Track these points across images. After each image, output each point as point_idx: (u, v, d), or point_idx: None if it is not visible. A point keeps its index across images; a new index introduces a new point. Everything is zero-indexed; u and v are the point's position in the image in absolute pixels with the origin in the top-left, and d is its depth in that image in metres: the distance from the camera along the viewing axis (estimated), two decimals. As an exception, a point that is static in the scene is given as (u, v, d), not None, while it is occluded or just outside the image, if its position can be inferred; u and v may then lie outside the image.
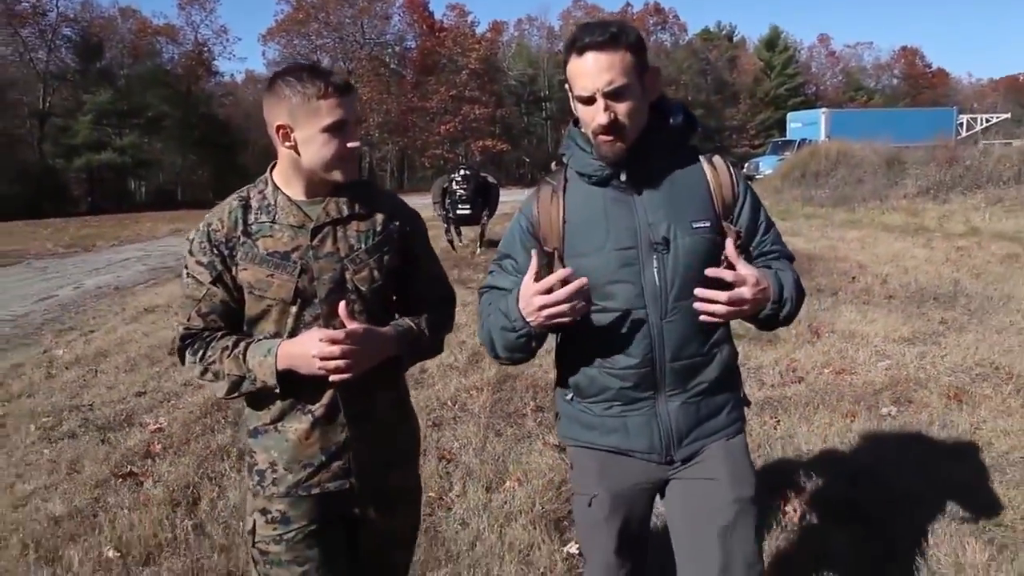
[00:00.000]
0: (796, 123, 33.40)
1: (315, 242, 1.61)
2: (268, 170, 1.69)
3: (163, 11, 74.24)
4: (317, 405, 1.64)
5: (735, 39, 69.25)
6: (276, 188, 1.66)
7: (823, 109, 33.61)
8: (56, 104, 44.04)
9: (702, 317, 1.53)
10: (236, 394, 1.63)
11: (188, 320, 1.65)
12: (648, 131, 1.58)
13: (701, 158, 1.66)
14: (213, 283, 1.62)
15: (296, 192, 1.65)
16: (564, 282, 1.46)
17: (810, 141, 25.98)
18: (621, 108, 1.52)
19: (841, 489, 3.25)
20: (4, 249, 17.58)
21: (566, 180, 1.68)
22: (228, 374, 1.60)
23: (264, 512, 1.68)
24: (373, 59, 53.92)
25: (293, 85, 1.54)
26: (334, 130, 1.55)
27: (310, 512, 1.67)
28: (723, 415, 1.68)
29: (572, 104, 1.60)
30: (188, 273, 1.65)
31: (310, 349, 1.51)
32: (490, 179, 12.74)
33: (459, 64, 52.67)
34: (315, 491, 1.66)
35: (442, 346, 1.84)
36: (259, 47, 64.96)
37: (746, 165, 30.50)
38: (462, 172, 11.98)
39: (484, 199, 12.21)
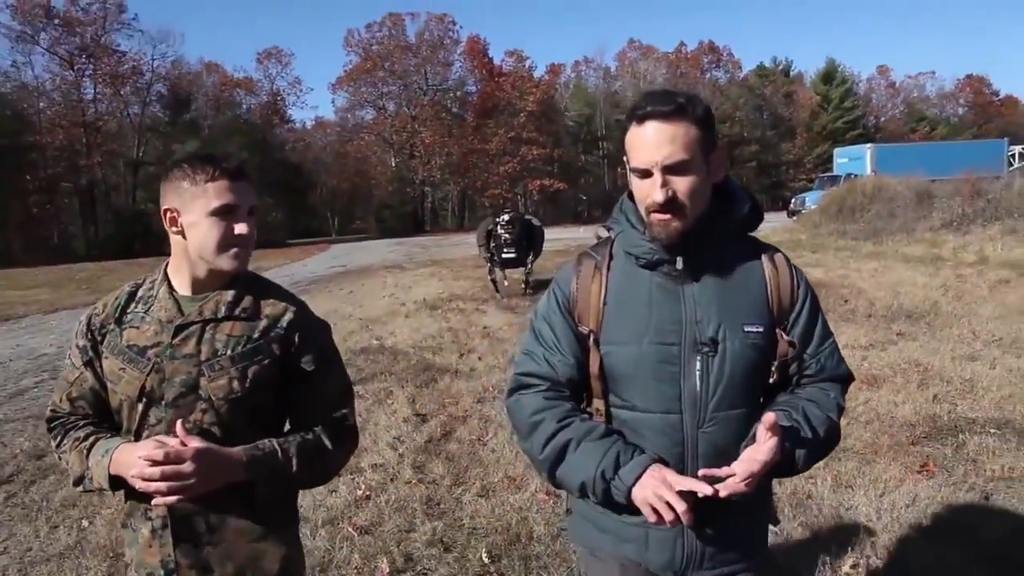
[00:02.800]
0: (843, 158, 34.14)
1: (176, 340, 1.53)
2: (165, 263, 1.63)
3: (243, 65, 79.35)
4: (155, 514, 1.54)
5: (791, 74, 69.86)
6: (165, 279, 1.60)
7: (868, 144, 34.30)
8: (148, 153, 48.15)
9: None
10: (82, 489, 1.55)
11: (59, 401, 1.62)
12: (709, 216, 1.46)
13: (763, 254, 1.53)
14: (84, 367, 1.59)
15: (183, 285, 1.59)
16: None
17: (856, 176, 26.58)
18: (681, 185, 1.40)
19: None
20: (118, 285, 20.15)
21: (611, 256, 1.56)
22: (72, 468, 1.55)
23: None
24: (435, 104, 56.71)
25: (184, 169, 1.51)
26: (221, 214, 1.50)
27: None
28: (751, 544, 1.57)
29: (628, 177, 1.48)
30: (69, 355, 1.63)
31: (133, 466, 1.40)
32: (535, 221, 13.04)
33: (517, 107, 54.99)
34: None
35: (322, 476, 1.67)
36: (329, 95, 68.88)
37: (793, 200, 31.35)
38: (507, 216, 12.15)
39: (529, 242, 12.28)
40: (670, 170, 1.39)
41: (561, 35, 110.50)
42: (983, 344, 6.87)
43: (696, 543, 1.50)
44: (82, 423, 1.59)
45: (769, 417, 1.34)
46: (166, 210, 1.53)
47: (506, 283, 12.72)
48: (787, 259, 1.55)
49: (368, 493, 4.07)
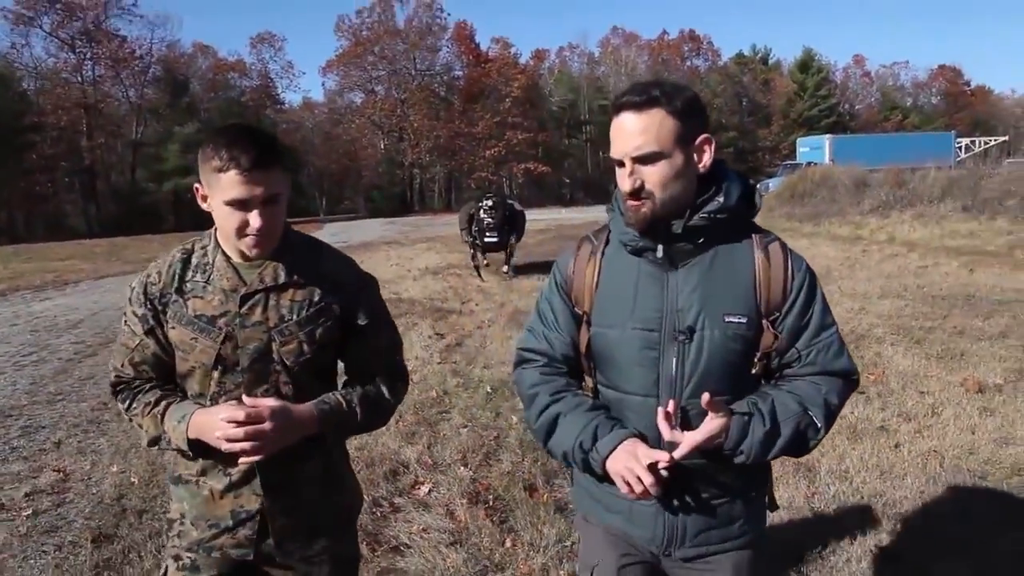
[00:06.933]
0: (805, 147, 37.06)
1: (244, 310, 1.58)
2: (214, 227, 1.63)
3: (236, 50, 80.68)
4: (236, 469, 1.62)
5: (770, 62, 71.95)
6: (217, 246, 1.63)
7: (828, 136, 37.09)
8: (148, 135, 49.81)
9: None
10: (158, 448, 1.64)
11: (121, 367, 1.67)
12: (691, 205, 1.47)
13: (755, 243, 1.52)
14: (145, 335, 1.62)
15: (235, 252, 1.61)
16: (653, 466, 1.40)
17: (814, 164, 28.72)
18: (650, 175, 1.43)
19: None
20: (140, 258, 22.31)
21: (607, 242, 1.61)
22: (146, 430, 1.62)
23: (176, 559, 1.70)
24: (423, 88, 58.36)
25: (207, 150, 1.50)
26: (235, 206, 1.49)
27: (220, 564, 1.68)
28: (736, 525, 1.58)
29: None
30: (125, 321, 1.66)
31: (215, 428, 1.49)
32: (516, 206, 13.24)
33: (503, 92, 56.88)
34: (215, 554, 1.67)
35: (382, 420, 1.78)
36: (319, 79, 70.66)
37: (758, 186, 33.87)
38: (489, 201, 12.29)
39: (511, 226, 12.45)
40: (639, 160, 1.43)
41: (546, 21, 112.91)
42: (840, 295, 9.45)
43: (677, 521, 1.54)
44: (148, 386, 1.66)
45: (705, 396, 1.37)
46: (197, 187, 1.55)
47: (486, 264, 13.05)
48: (785, 249, 1.53)
49: (415, 367, 6.61)
